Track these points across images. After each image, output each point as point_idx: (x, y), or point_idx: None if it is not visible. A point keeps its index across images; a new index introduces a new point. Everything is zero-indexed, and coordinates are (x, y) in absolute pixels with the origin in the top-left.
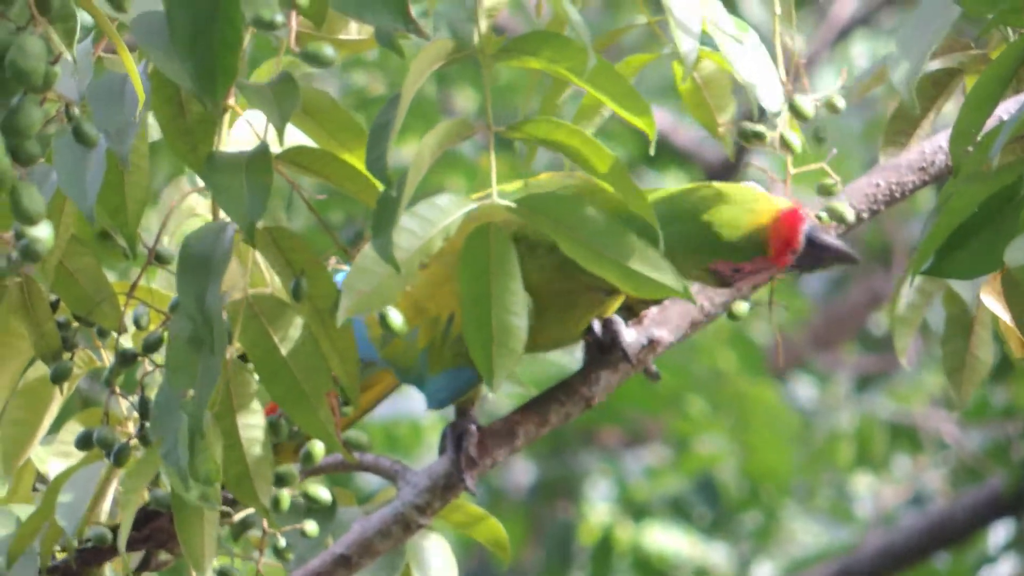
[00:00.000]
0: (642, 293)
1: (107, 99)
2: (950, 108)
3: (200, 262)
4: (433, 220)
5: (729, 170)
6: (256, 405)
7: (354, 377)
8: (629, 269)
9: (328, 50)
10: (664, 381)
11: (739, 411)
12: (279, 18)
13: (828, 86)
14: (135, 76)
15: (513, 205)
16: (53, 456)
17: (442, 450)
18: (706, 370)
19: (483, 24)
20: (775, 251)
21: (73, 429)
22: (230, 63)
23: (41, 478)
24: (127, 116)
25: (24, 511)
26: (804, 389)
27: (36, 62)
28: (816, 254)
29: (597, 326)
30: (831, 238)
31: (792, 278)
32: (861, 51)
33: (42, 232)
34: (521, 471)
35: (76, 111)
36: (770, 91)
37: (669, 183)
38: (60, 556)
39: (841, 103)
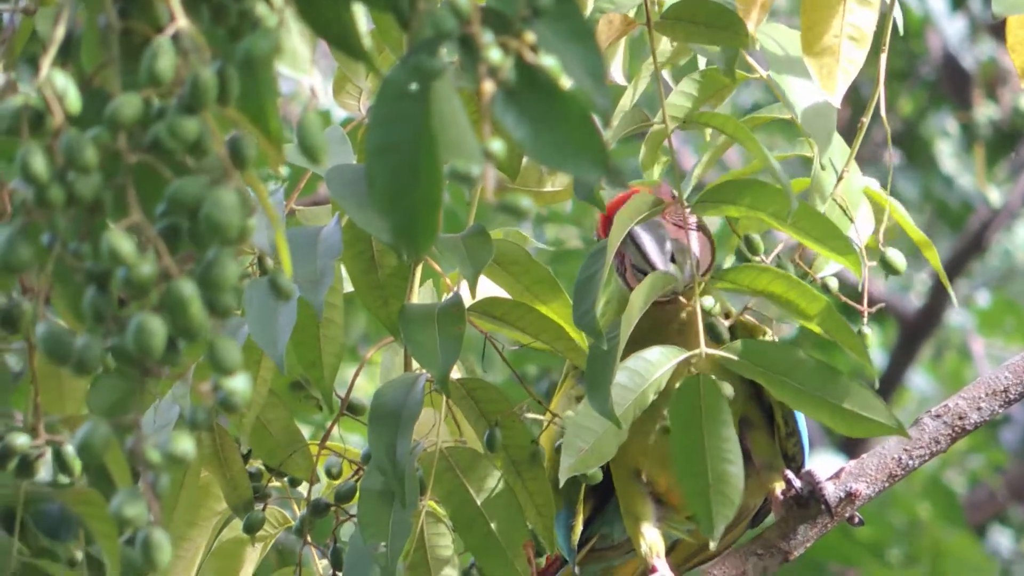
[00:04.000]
0: (855, 432)
1: (300, 250)
2: None
3: (391, 414)
4: (644, 374)
5: (929, 321)
6: (451, 556)
7: (551, 529)
8: (843, 410)
9: (525, 201)
10: (861, 531)
11: (935, 562)
12: (476, 170)
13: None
14: (278, 226)
15: (728, 356)
16: None
17: None
18: (904, 520)
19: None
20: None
21: None
22: (431, 220)
23: None
24: (321, 267)
25: None
26: (1002, 540)
27: (231, 216)
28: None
29: (796, 480)
30: (643, 234)
31: (989, 429)
32: None
33: (240, 384)
34: None
35: (270, 263)
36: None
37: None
38: None
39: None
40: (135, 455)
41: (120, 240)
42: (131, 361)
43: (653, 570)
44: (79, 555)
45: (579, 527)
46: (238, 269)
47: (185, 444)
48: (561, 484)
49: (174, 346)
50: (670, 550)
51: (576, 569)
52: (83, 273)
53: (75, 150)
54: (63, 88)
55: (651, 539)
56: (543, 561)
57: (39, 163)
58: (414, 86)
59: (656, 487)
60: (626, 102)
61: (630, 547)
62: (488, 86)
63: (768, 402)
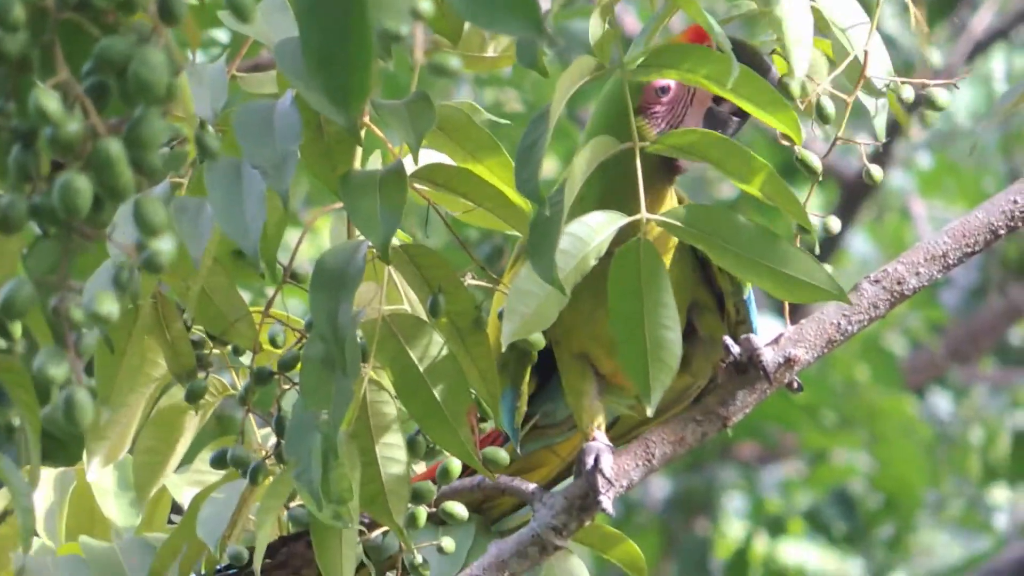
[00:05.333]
0: (796, 298)
1: (255, 131)
2: None
3: (333, 281)
4: (585, 239)
5: (866, 188)
6: (394, 424)
7: (494, 395)
8: (784, 275)
9: (454, 61)
10: (799, 395)
11: (872, 424)
12: (404, 29)
13: (964, 100)
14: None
15: (670, 221)
16: (188, 485)
17: (578, 472)
18: (841, 383)
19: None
20: (691, 35)
21: (208, 458)
22: (363, 80)
23: (177, 509)
24: (282, 149)
25: (160, 541)
26: (941, 403)
27: (159, 74)
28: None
29: (734, 346)
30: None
31: (929, 290)
32: (999, 65)
33: (164, 245)
34: (657, 485)
35: (210, 128)
36: (802, 56)
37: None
38: None
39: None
40: (59, 313)
41: (47, 98)
42: (57, 221)
43: (592, 439)
44: (16, 421)
45: (523, 408)
46: (165, 128)
47: (109, 304)
48: (504, 348)
49: (101, 206)
50: (611, 425)
51: (519, 448)
52: (9, 131)
53: (2, 7)
54: None
55: (591, 411)
56: (486, 427)
57: None
58: None
59: (602, 369)
60: None
61: (572, 424)
62: None
63: (719, 289)
